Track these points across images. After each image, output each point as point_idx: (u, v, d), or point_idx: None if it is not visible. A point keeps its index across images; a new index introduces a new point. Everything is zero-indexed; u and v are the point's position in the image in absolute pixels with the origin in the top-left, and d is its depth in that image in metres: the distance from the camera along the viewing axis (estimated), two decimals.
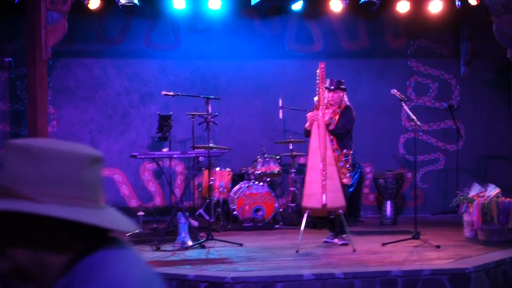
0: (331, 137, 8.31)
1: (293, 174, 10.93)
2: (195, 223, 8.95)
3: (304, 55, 11.90)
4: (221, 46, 11.73)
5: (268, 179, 10.70)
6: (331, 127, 8.25)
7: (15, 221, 1.68)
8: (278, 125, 11.69)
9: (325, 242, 8.69)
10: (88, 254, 1.70)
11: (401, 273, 6.70)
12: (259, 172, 10.53)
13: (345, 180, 8.31)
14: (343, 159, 8.33)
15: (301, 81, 11.40)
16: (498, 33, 9.57)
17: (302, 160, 11.60)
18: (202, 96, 9.44)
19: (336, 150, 8.30)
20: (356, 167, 11.33)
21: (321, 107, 8.21)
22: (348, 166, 8.37)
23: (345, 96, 8.57)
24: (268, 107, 11.61)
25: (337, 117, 8.41)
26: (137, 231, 9.62)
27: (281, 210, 10.76)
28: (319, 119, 8.18)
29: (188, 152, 9.36)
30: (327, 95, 8.42)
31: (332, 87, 8.44)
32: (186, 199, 11.10)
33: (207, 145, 9.16)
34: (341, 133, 8.31)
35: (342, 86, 8.53)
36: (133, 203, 11.41)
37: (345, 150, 8.35)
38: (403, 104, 8.72)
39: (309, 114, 8.35)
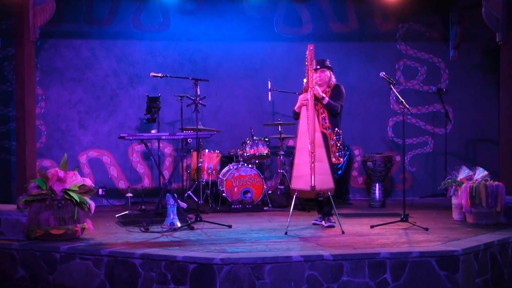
0: (324, 115, 8.29)
1: (281, 157, 10.92)
2: (183, 204, 8.94)
3: (293, 38, 11.86)
4: (210, 28, 11.68)
5: (257, 161, 10.70)
6: (325, 101, 8.23)
7: None
8: (267, 108, 11.67)
9: (314, 224, 8.71)
10: None
11: (389, 255, 6.71)
12: (248, 154, 10.51)
13: (333, 160, 8.30)
14: (334, 137, 8.31)
15: (290, 64, 11.40)
16: (487, 16, 9.57)
17: (290, 143, 11.60)
18: (190, 77, 9.40)
19: (328, 128, 8.28)
20: (345, 149, 11.34)
21: (310, 89, 8.19)
22: (339, 144, 8.34)
23: (332, 75, 8.55)
24: (257, 89, 11.59)
25: (327, 96, 8.39)
26: (126, 212, 9.62)
27: (269, 192, 10.76)
28: (309, 102, 8.16)
29: (177, 133, 9.33)
30: (315, 76, 8.39)
31: (318, 67, 8.42)
32: (174, 181, 11.10)
33: (195, 127, 9.13)
34: (336, 108, 8.30)
35: (328, 64, 8.52)
36: (122, 184, 11.38)
37: (336, 129, 8.33)
38: (392, 87, 8.72)
39: (301, 97, 8.32)
